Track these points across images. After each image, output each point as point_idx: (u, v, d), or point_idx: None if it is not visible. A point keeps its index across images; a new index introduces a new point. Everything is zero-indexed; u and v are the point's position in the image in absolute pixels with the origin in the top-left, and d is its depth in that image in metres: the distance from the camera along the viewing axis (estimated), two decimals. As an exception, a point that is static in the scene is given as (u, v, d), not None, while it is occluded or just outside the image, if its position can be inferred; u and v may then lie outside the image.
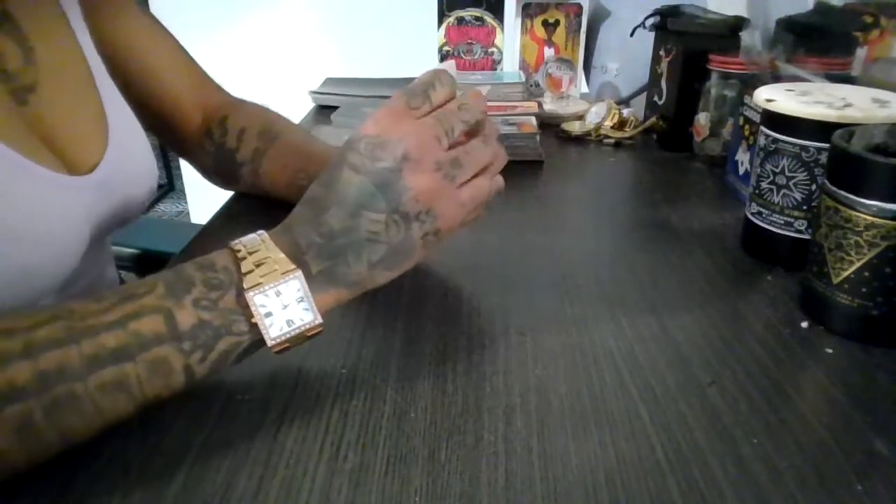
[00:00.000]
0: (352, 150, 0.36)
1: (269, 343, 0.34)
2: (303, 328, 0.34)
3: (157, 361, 0.32)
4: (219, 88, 0.68)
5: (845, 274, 0.43)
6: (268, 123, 0.63)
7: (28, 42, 0.46)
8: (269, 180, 0.62)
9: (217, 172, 0.66)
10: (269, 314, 0.33)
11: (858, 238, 0.41)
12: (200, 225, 0.63)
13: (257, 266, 0.34)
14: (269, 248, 0.35)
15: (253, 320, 0.33)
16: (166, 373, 0.32)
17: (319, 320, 0.35)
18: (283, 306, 0.34)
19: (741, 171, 0.68)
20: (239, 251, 0.35)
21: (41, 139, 0.45)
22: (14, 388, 0.29)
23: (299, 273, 0.34)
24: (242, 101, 0.67)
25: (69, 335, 0.30)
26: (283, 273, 0.34)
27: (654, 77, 0.91)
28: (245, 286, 0.33)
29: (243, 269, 0.34)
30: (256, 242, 0.35)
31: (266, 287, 0.33)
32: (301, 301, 0.34)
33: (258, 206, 0.65)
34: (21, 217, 0.41)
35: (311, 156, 0.59)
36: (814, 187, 0.50)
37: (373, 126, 0.37)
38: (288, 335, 0.34)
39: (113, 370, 0.30)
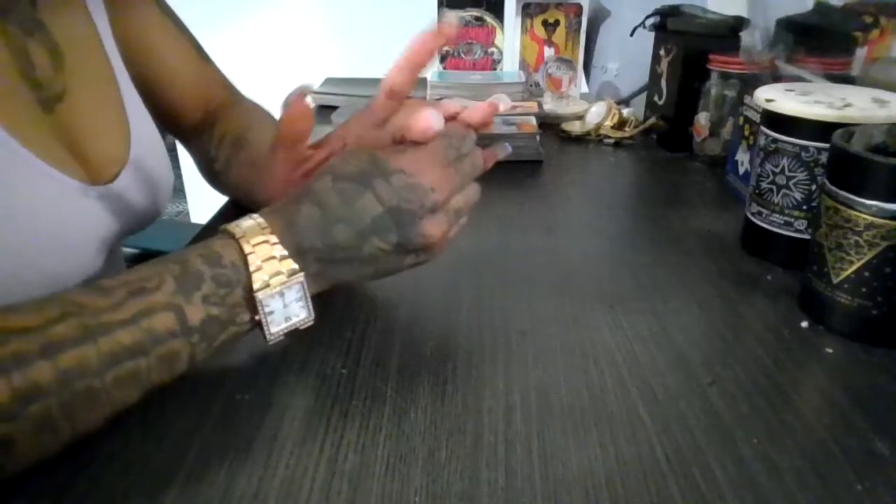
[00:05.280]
0: (382, 179, 0.37)
1: (268, 338, 0.36)
2: (297, 324, 0.37)
3: (169, 354, 0.33)
4: (226, 87, 0.66)
5: (845, 274, 0.43)
6: (243, 130, 0.59)
7: (59, 50, 0.46)
8: (236, 191, 0.60)
9: (206, 178, 0.65)
10: (271, 312, 0.36)
11: (858, 238, 0.41)
12: (200, 225, 0.63)
13: (263, 262, 0.35)
14: (274, 246, 0.36)
15: (256, 317, 0.36)
16: (174, 362, 0.34)
17: (313, 317, 0.38)
18: (284, 305, 0.36)
19: (741, 171, 0.68)
20: (244, 246, 0.35)
21: (66, 148, 0.45)
22: (37, 387, 0.29)
23: (303, 276, 0.36)
24: (240, 104, 0.65)
25: (85, 334, 0.30)
26: (289, 275, 0.36)
27: (654, 77, 0.91)
28: (254, 286, 0.35)
29: (251, 267, 0.35)
30: (259, 235, 0.36)
31: (273, 289, 0.35)
32: (300, 300, 0.37)
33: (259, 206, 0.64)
34: (44, 225, 0.41)
35: (262, 172, 0.53)
36: (814, 187, 0.50)
37: (410, 163, 0.38)
38: (284, 330, 0.37)
39: (128, 365, 0.31)
